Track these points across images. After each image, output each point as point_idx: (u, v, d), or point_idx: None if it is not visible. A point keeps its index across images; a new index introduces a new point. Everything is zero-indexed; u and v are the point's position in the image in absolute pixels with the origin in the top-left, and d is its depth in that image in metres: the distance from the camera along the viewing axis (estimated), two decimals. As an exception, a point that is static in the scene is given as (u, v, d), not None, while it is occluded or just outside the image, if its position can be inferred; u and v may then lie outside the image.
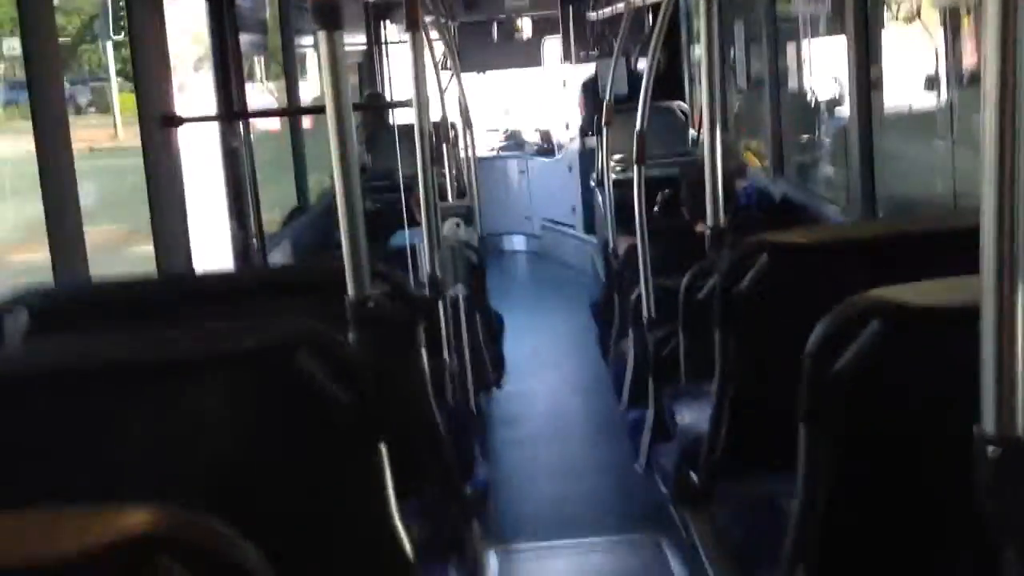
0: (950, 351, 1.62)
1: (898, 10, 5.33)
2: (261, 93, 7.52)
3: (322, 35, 1.93)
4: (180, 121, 4.04)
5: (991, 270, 1.15)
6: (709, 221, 3.05)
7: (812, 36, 7.40)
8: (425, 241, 3.84)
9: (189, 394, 1.77)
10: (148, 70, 3.97)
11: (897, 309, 1.63)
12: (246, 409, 1.79)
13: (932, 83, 6.21)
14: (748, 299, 2.44)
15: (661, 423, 3.84)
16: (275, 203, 6.56)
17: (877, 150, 4.89)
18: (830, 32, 6.95)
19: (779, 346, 1.97)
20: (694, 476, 2.72)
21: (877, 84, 5.15)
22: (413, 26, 3.66)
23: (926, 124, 6.32)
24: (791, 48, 7.21)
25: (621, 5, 7.68)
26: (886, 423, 1.67)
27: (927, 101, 6.30)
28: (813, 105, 7.55)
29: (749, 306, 2.44)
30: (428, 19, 6.78)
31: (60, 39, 3.56)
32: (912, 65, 6.29)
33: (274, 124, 7.61)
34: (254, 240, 5.02)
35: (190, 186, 4.20)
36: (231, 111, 4.86)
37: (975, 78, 5.93)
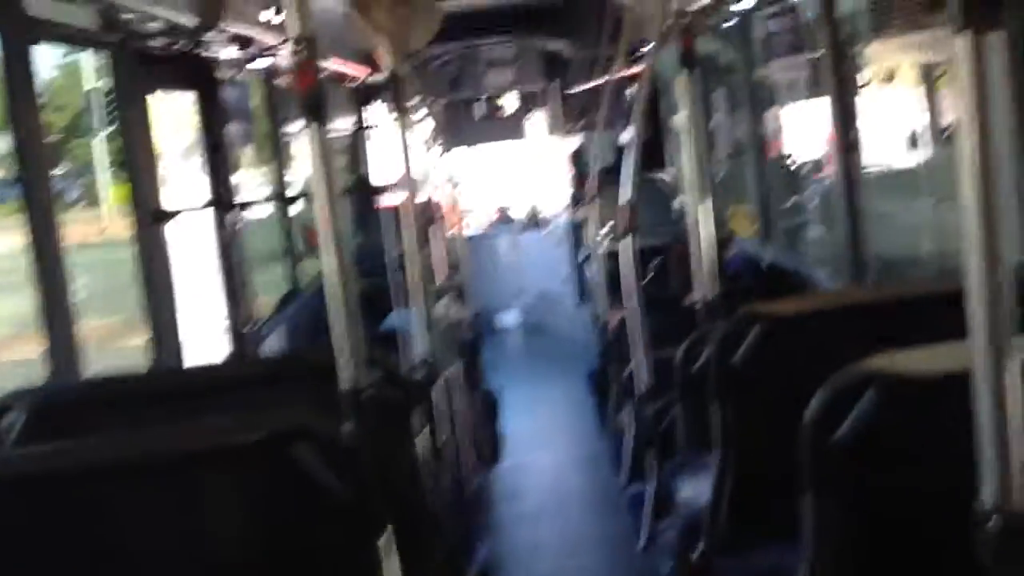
0: (948, 417, 1.61)
1: (876, 72, 5.40)
2: (250, 179, 7.57)
3: (309, 128, 1.95)
4: (170, 215, 4.07)
5: (982, 340, 1.16)
6: (698, 292, 3.06)
7: (792, 100, 7.51)
8: (417, 322, 3.85)
9: (187, 490, 1.76)
10: (137, 165, 4.01)
11: (893, 377, 1.64)
12: (244, 503, 1.77)
13: (913, 142, 6.29)
14: (743, 370, 2.44)
15: (662, 497, 3.81)
16: (268, 287, 6.58)
17: (862, 211, 4.92)
18: (810, 96, 7.06)
19: (777, 416, 1.97)
20: (696, 552, 2.70)
21: (857, 145, 5.21)
22: (399, 110, 3.71)
23: (909, 183, 6.39)
24: (772, 113, 7.31)
25: (602, 79, 7.79)
26: (887, 491, 1.66)
27: (909, 160, 6.38)
28: (797, 169, 7.63)
29: (745, 377, 2.44)
30: (413, 102, 6.86)
31: (49, 135, 3.60)
32: (892, 125, 6.38)
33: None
34: (246, 328, 5.03)
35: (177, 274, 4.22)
36: (221, 201, 4.90)
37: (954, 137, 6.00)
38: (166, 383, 2.75)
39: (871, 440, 1.66)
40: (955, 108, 1.09)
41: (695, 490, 2.98)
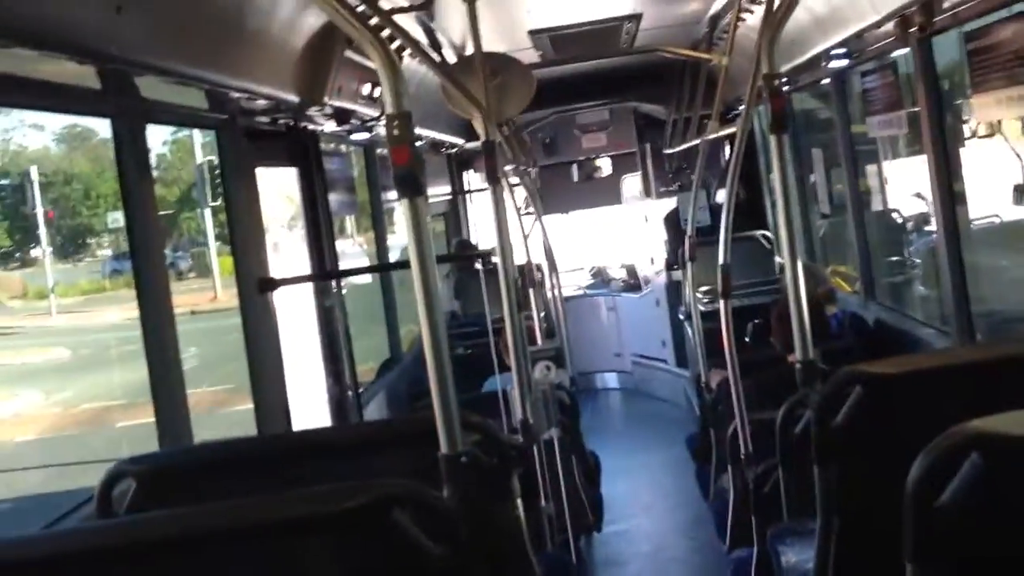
0: (1056, 482, 1.57)
1: (977, 127, 5.31)
2: (352, 246, 7.74)
3: (405, 202, 2.01)
4: (276, 284, 4.18)
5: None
6: (798, 353, 3.02)
7: (892, 157, 7.41)
8: (516, 386, 3.87)
9: (290, 557, 1.80)
10: (243, 236, 4.15)
11: (997, 441, 1.60)
12: (346, 570, 1.80)
13: (1020, 195, 6.14)
14: (845, 432, 2.40)
15: (766, 563, 3.73)
16: (369, 354, 6.69)
17: (969, 266, 4.81)
18: (910, 151, 6.95)
19: (881, 480, 1.93)
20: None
21: (961, 199, 5.11)
22: (493, 178, 3.77)
23: (1018, 238, 6.22)
24: (872, 169, 7.22)
25: (696, 140, 7.79)
26: (994, 558, 1.62)
27: (1017, 214, 6.22)
28: (899, 224, 7.50)
29: (847, 440, 2.40)
30: (508, 167, 6.96)
31: (161, 210, 3.75)
32: (996, 179, 6.24)
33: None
34: (349, 393, 5.11)
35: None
36: (324, 271, 5.02)
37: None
38: (271, 449, 2.81)
39: (976, 506, 1.62)
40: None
41: (799, 556, 2.93)
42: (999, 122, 5.32)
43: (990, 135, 5.66)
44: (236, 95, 3.83)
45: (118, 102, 3.12)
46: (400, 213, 8.01)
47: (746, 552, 4.25)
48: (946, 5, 4.04)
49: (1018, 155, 6.03)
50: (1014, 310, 6.19)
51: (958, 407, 1.78)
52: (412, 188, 1.98)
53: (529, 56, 6.81)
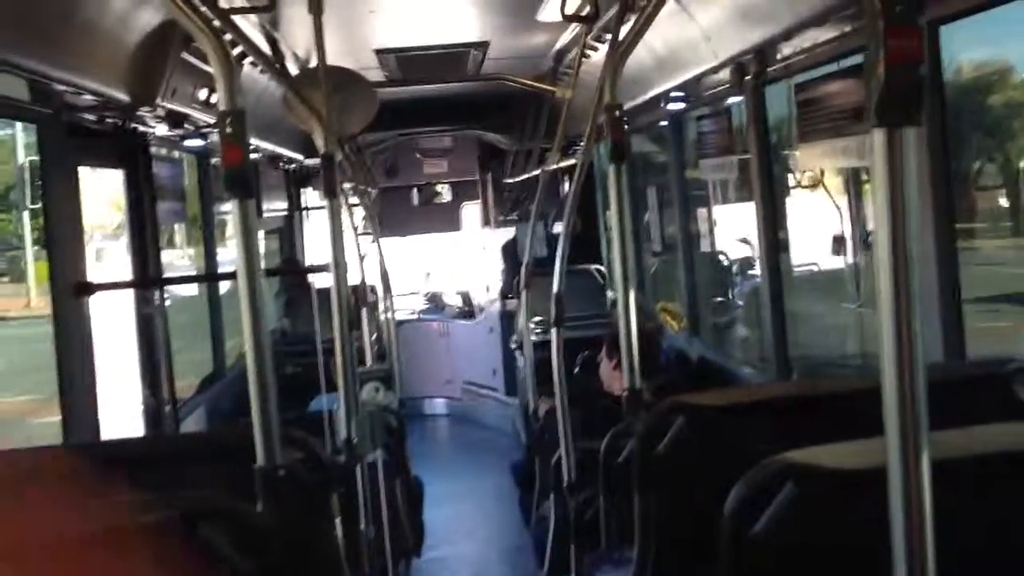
0: (864, 512, 1.62)
1: (802, 177, 5.55)
2: (181, 259, 7.50)
3: (234, 203, 1.94)
4: (93, 289, 3.99)
5: (895, 434, 1.17)
6: (625, 383, 3.06)
7: (722, 201, 7.68)
8: (342, 405, 3.79)
9: (91, 571, 1.69)
10: (61, 238, 3.94)
11: (809, 472, 1.64)
12: None
13: (838, 246, 6.45)
14: (667, 461, 2.44)
15: (584, 591, 3.76)
16: (189, 369, 6.46)
17: (789, 312, 5.01)
18: (739, 196, 7.22)
19: (698, 508, 1.96)
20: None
21: (785, 247, 5.32)
22: (331, 193, 3.70)
23: (834, 286, 6.53)
24: (702, 213, 7.45)
25: (537, 171, 7.89)
26: (805, 585, 1.66)
27: (834, 263, 6.53)
28: (725, 267, 7.77)
29: (668, 468, 2.44)
30: (347, 186, 6.88)
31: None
32: (817, 229, 6.54)
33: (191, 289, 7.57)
34: (167, 407, 4.91)
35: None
36: (146, 278, 4.82)
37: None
38: (78, 459, 2.66)
39: (789, 534, 1.66)
40: (874, 200, 1.12)
41: (616, 583, 2.95)
42: (822, 174, 5.56)
43: (813, 186, 5.92)
44: (61, 88, 3.65)
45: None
46: (230, 223, 7.82)
47: (564, 580, 4.28)
48: (779, 56, 4.21)
49: (838, 207, 6.34)
50: (826, 355, 6.48)
51: (776, 439, 1.83)
52: (242, 189, 1.92)
53: (374, 76, 6.76)
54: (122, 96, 4.02)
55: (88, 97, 3.88)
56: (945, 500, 1.24)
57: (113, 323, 4.99)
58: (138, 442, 3.83)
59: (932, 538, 1.18)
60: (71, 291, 3.90)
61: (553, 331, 4.43)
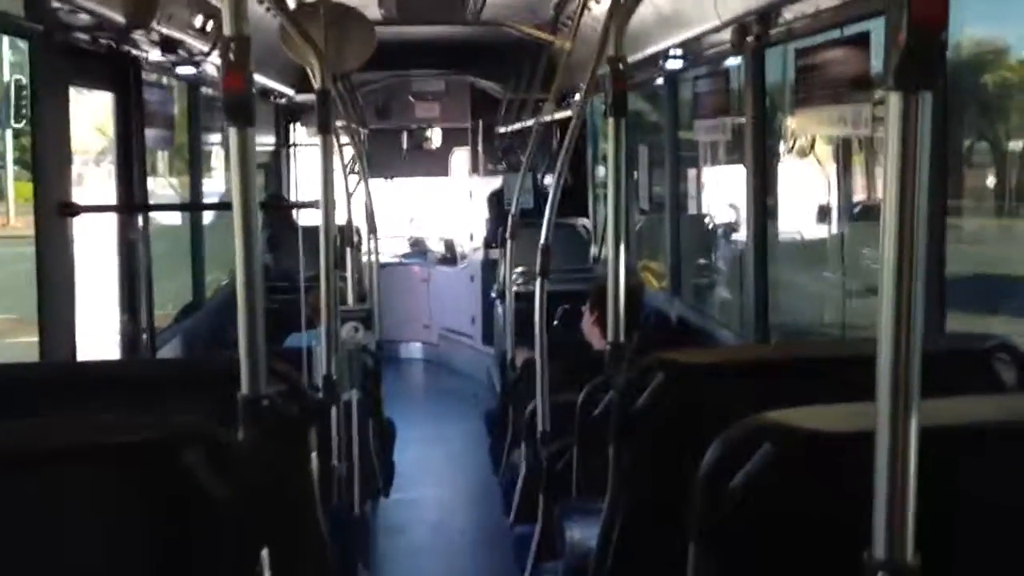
0: (840, 476, 1.64)
1: (794, 144, 5.54)
2: (163, 188, 7.44)
3: (233, 131, 1.91)
4: (78, 210, 3.95)
5: (887, 399, 1.18)
6: (610, 335, 3.07)
7: (712, 163, 7.67)
8: (323, 343, 3.79)
9: (64, 486, 1.69)
10: (48, 158, 3.90)
11: (788, 433, 1.65)
12: (124, 504, 1.71)
13: (824, 215, 6.46)
14: (643, 416, 2.45)
15: (550, 539, 3.79)
16: (167, 298, 6.44)
17: (771, 278, 5.03)
18: (729, 160, 7.21)
19: (673, 465, 1.98)
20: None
21: (773, 213, 5.33)
22: (324, 129, 3.68)
23: (819, 255, 6.55)
24: (692, 173, 7.44)
25: (530, 121, 7.85)
26: (777, 545, 1.68)
27: (820, 232, 6.54)
28: (711, 230, 7.77)
29: (644, 423, 2.45)
30: (339, 124, 6.82)
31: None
32: (806, 197, 6.54)
33: (172, 219, 7.52)
34: (144, 335, 4.90)
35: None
36: (132, 203, 4.79)
37: (864, 213, 6.20)
38: (55, 376, 2.65)
39: (764, 494, 1.68)
40: (885, 166, 1.12)
41: (584, 533, 2.98)
42: (813, 143, 5.56)
43: (803, 154, 5.91)
44: (56, 4, 3.59)
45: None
46: (215, 154, 7.73)
47: (529, 528, 4.32)
48: (782, 19, 4.19)
49: (826, 176, 6.34)
50: (804, 322, 6.52)
51: (755, 400, 1.84)
52: (243, 117, 1.89)
53: (372, 13, 6.67)
54: (117, 17, 3.96)
55: (83, 16, 3.82)
56: (924, 468, 1.25)
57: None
58: (118, 364, 3.83)
59: (914, 506, 1.19)
60: (55, 211, 3.86)
61: (538, 281, 4.43)
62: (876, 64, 3.59)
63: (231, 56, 1.83)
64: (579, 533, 3.09)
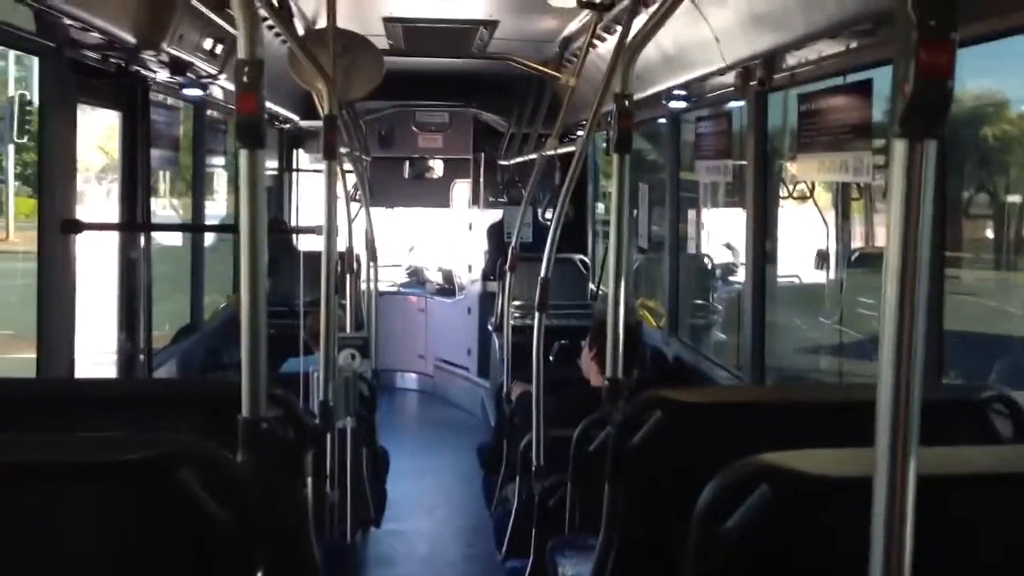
0: (836, 520, 1.64)
1: (794, 188, 5.57)
2: (163, 208, 7.46)
3: (244, 153, 1.93)
4: (81, 227, 3.96)
5: (886, 444, 1.18)
6: (608, 371, 3.08)
7: (712, 204, 7.70)
8: (321, 369, 3.79)
9: (60, 503, 1.69)
10: (53, 174, 3.92)
11: (786, 475, 1.66)
12: (121, 523, 1.71)
13: (822, 261, 6.49)
14: (640, 454, 2.45)
15: (542, 575, 3.78)
16: (164, 319, 6.43)
17: (768, 322, 5.03)
18: (728, 202, 7.24)
19: (668, 503, 1.97)
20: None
21: (772, 256, 5.34)
22: (330, 155, 3.70)
23: (816, 300, 6.56)
24: (692, 214, 7.47)
25: (532, 155, 7.88)
26: (772, 586, 1.68)
27: (818, 277, 6.56)
28: (709, 270, 7.79)
29: (641, 461, 2.45)
30: (342, 151, 6.85)
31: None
32: (805, 241, 6.57)
33: (171, 240, 7.53)
34: (142, 356, 4.89)
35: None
36: (135, 222, 4.80)
37: (861, 260, 6.22)
38: (53, 392, 2.65)
39: (759, 535, 1.67)
40: (889, 212, 1.14)
41: (576, 569, 2.97)
42: (812, 188, 5.59)
43: (803, 199, 5.94)
44: (68, 22, 3.62)
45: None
46: (217, 176, 7.73)
47: (520, 563, 4.30)
48: (785, 64, 4.23)
49: (825, 222, 6.37)
50: (799, 366, 6.52)
51: (751, 441, 1.84)
52: (255, 139, 1.91)
53: (379, 44, 6.72)
54: (128, 37, 3.99)
55: (94, 34, 3.85)
56: (920, 515, 1.25)
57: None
58: (116, 382, 3.82)
59: (911, 553, 1.19)
60: (58, 228, 3.88)
61: (537, 315, 4.44)
62: (877, 112, 3.62)
63: (244, 79, 1.85)
64: (571, 569, 3.08)
